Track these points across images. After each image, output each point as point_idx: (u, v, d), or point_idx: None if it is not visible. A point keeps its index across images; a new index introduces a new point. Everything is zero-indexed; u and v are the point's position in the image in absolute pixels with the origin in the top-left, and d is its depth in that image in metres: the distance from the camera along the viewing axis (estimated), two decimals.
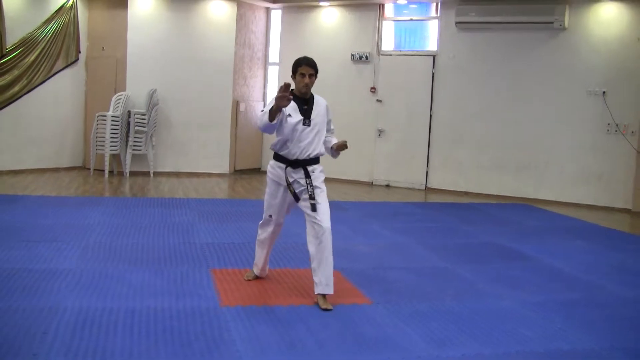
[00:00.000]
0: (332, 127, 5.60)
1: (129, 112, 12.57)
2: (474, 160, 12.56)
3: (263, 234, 5.67)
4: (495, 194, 12.31)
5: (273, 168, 5.43)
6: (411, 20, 13.38)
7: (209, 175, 13.35)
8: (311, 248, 5.22)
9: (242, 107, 13.78)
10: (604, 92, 11.54)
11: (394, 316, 4.96)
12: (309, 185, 5.25)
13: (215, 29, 13.40)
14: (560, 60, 11.83)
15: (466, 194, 12.51)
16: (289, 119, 5.24)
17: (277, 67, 14.41)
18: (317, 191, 5.26)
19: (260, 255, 5.79)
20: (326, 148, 5.54)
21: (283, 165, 5.34)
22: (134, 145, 12.60)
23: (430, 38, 13.13)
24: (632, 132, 11.36)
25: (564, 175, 11.88)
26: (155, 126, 12.83)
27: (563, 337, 4.76)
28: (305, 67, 5.27)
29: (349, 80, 13.48)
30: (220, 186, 12.24)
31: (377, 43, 13.31)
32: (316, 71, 5.29)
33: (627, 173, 11.40)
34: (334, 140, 5.54)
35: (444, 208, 10.97)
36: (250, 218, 8.96)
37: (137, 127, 12.49)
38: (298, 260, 6.68)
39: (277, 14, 14.41)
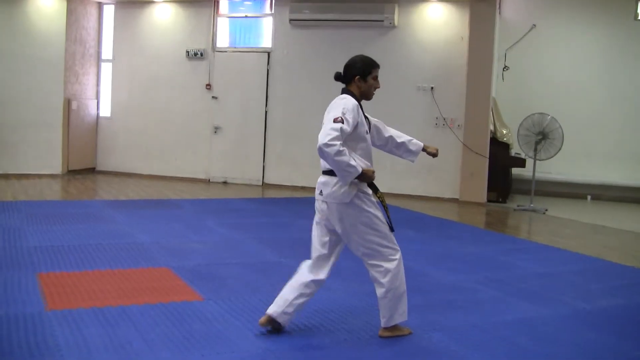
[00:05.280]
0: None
1: None
2: (309, 156, 12.74)
3: None
4: None
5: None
6: (246, 17, 13.44)
7: (40, 176, 12.84)
8: None
9: (74, 105, 13.34)
10: (432, 88, 12.05)
11: (224, 312, 4.99)
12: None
13: (43, 24, 12.89)
14: (391, 57, 12.23)
15: (302, 188, 12.71)
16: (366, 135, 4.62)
17: (110, 63, 14.07)
18: None
19: None
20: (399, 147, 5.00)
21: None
22: None
23: (265, 35, 13.23)
24: (459, 125, 11.93)
25: (395, 168, 12.27)
26: None
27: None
28: (377, 70, 4.68)
29: (184, 77, 13.37)
30: (52, 187, 11.81)
31: (212, 39, 13.28)
32: None
33: (455, 164, 11.97)
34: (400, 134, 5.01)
35: (280, 203, 11.10)
36: (82, 219, 8.73)
37: None
38: (129, 260, 6.57)
39: (109, 10, 14.06)
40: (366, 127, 4.63)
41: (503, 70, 12.93)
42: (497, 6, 11.86)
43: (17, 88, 12.68)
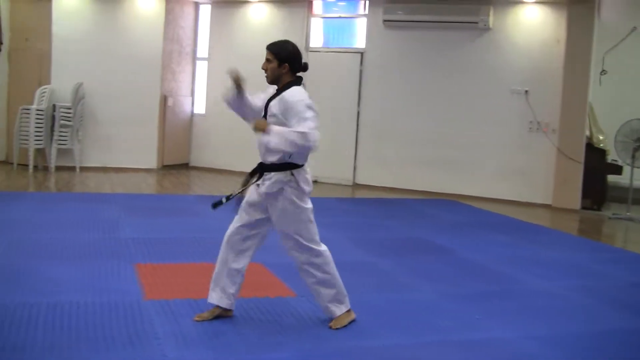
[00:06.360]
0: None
1: (54, 105, 12.35)
2: (400, 157, 12.75)
3: None
4: (421, 189, 12.52)
5: None
6: (339, 17, 13.51)
7: (137, 170, 13.21)
8: None
9: (170, 102, 13.68)
10: (526, 91, 11.86)
11: (317, 309, 5.02)
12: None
13: (143, 23, 13.26)
14: (485, 60, 12.11)
15: (393, 189, 12.69)
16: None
17: (205, 62, 14.36)
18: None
19: None
20: None
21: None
22: (60, 140, 12.39)
23: (358, 35, 13.27)
24: (553, 130, 11.70)
25: (488, 172, 12.15)
26: (81, 120, 12.64)
27: (479, 327, 4.92)
28: (266, 51, 4.68)
29: None
30: (147, 181, 12.15)
31: (306, 39, 13.39)
32: (278, 56, 4.60)
33: (548, 170, 11.74)
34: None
35: (371, 203, 11.13)
36: (177, 213, 8.97)
37: (62, 122, 12.29)
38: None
39: (206, 9, 14.35)
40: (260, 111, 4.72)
41: (600, 74, 12.59)
42: (596, 8, 11.57)
43: (117, 85, 13.06)
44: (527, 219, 10.28)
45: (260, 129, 4.47)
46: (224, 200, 4.64)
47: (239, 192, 4.70)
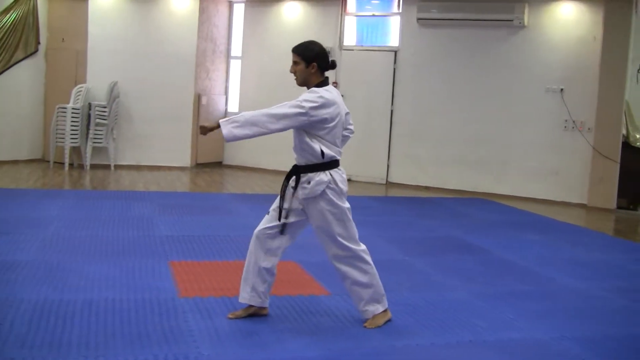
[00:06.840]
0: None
1: (90, 104, 12.47)
2: (434, 155, 12.68)
3: None
4: (455, 188, 12.44)
5: None
6: (373, 15, 13.47)
7: (170, 168, 13.30)
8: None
9: (204, 100, 13.74)
10: (561, 90, 11.73)
11: (351, 307, 5.01)
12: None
13: (177, 22, 13.34)
14: (520, 58, 12.00)
15: (426, 188, 12.63)
16: None
17: (239, 60, 14.41)
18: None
19: None
20: None
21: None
22: (95, 138, 12.50)
23: (392, 34, 13.22)
24: (589, 129, 11.56)
25: (522, 171, 12.04)
26: (116, 119, 12.75)
27: (514, 327, 4.88)
28: (292, 54, 4.69)
29: None
30: (181, 179, 12.22)
31: (340, 38, 13.37)
32: (304, 58, 4.60)
33: (583, 169, 11.60)
34: None
35: (404, 202, 11.08)
36: (210, 211, 9.00)
37: (97, 120, 12.40)
38: None
39: (239, 8, 14.40)
40: None
41: (638, 72, 12.42)
42: (634, 4, 11.39)
43: (151, 83, 13.15)
44: (562, 219, 10.17)
45: (205, 130, 4.66)
46: (283, 221, 4.65)
47: (286, 207, 4.65)
